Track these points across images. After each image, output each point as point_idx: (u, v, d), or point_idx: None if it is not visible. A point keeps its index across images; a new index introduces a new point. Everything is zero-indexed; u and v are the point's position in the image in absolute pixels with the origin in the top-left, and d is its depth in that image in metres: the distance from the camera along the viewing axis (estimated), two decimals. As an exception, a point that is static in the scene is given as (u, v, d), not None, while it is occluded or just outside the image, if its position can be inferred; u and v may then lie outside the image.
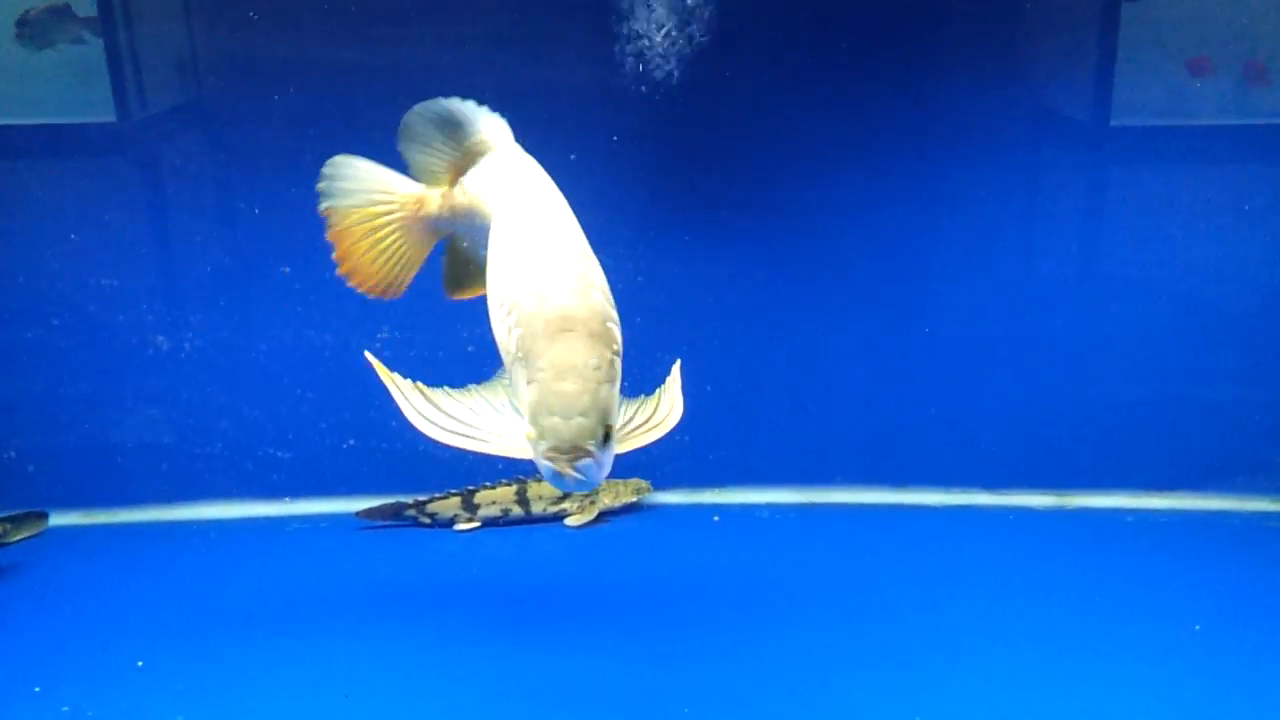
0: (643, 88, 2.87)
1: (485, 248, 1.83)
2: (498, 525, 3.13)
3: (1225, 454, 3.27)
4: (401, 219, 1.96)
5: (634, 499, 3.20)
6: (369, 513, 3.12)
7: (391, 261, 1.97)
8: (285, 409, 3.16)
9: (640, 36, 2.82)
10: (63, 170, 3.04)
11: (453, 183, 1.93)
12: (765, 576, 2.84)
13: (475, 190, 1.89)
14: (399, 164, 1.99)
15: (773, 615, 2.64)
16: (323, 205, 1.97)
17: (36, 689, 2.33)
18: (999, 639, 2.50)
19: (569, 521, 3.14)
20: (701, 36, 2.84)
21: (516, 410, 1.70)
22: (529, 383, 1.58)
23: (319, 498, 3.25)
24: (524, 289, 1.66)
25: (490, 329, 1.76)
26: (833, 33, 2.96)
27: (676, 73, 2.86)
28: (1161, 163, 3.11)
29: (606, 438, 1.56)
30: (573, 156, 2.86)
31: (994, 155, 3.07)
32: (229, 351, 3.14)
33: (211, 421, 3.19)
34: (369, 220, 1.96)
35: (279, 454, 3.21)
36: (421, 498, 3.11)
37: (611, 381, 1.60)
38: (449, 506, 3.11)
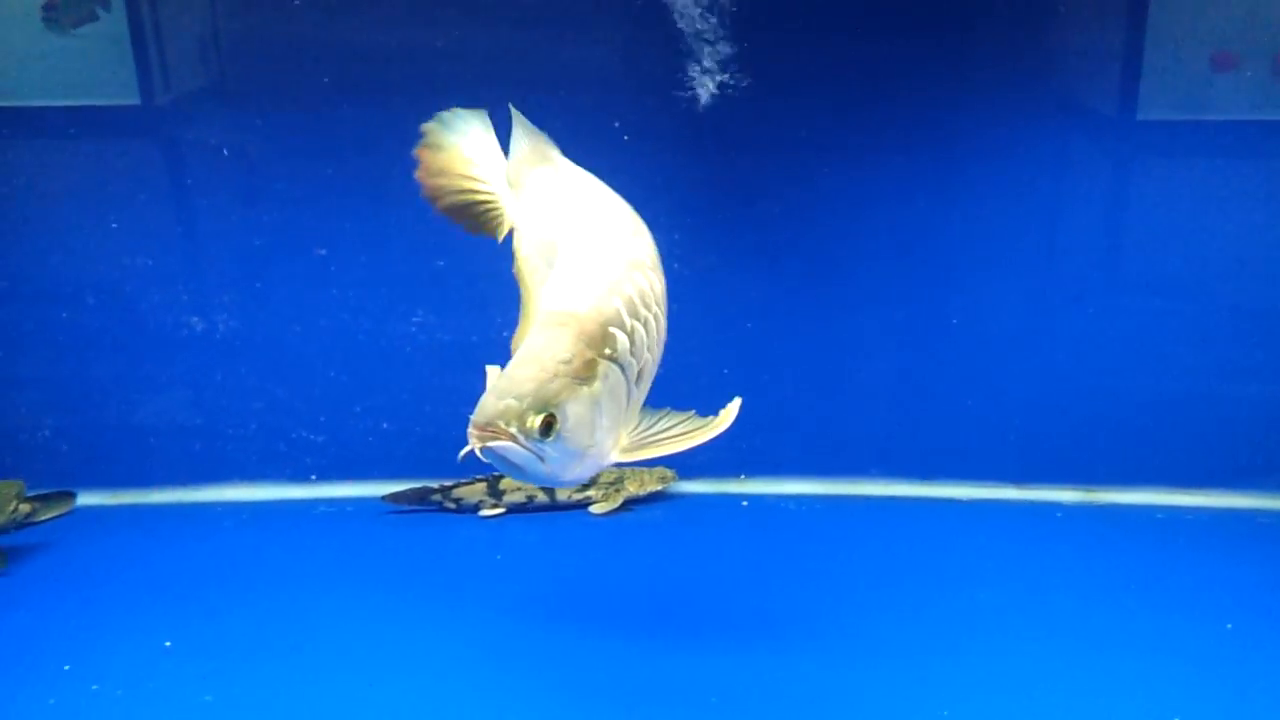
0: (676, 82, 2.86)
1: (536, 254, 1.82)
2: (523, 511, 3.13)
3: (1256, 451, 3.23)
4: (482, 196, 1.97)
5: (659, 488, 3.19)
6: (395, 497, 3.13)
7: (461, 209, 1.99)
8: (318, 392, 3.17)
9: (670, 29, 2.82)
10: (97, 152, 3.05)
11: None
12: (790, 567, 2.83)
13: (532, 204, 1.89)
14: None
15: (797, 606, 2.63)
16: (420, 147, 1.99)
17: (66, 667, 2.35)
18: (1026, 635, 2.48)
19: (594, 509, 3.14)
20: (729, 33, 2.82)
21: None
22: None
23: (347, 481, 3.27)
24: (550, 287, 1.67)
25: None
26: (859, 26, 2.94)
27: (707, 66, 2.85)
28: (1196, 157, 3.08)
29: (546, 430, 1.53)
30: (626, 137, 2.87)
31: (1021, 150, 3.04)
32: (263, 333, 3.16)
33: (244, 403, 3.20)
34: (456, 178, 1.96)
35: (312, 436, 3.22)
36: (447, 483, 3.11)
37: (584, 380, 1.58)
38: (474, 492, 3.11)
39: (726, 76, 2.83)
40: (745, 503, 3.20)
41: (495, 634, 2.50)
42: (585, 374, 1.58)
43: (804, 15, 2.91)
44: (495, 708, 2.21)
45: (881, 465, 3.30)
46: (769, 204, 3.07)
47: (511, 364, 1.59)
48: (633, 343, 1.68)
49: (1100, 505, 3.21)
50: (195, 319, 3.12)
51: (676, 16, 2.76)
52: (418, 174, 1.97)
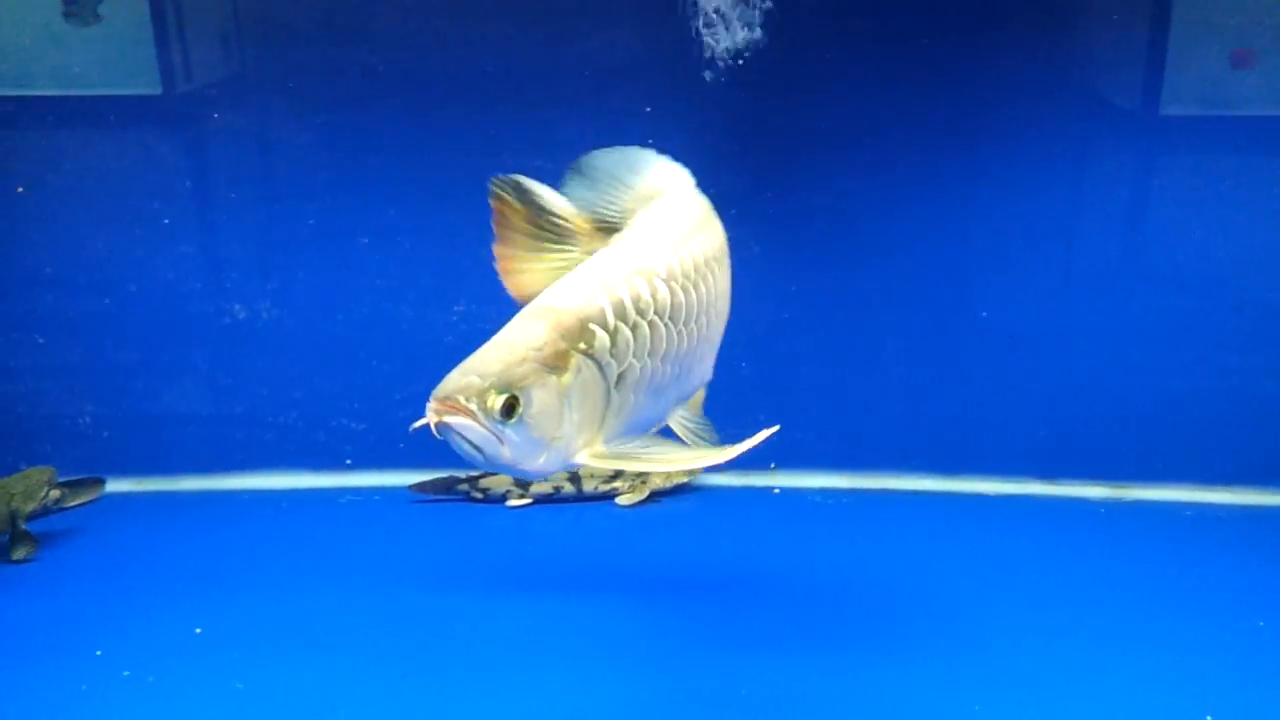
0: (690, 69, 2.85)
1: None
2: (549, 502, 3.14)
3: (1286, 449, 3.21)
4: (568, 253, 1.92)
5: (685, 480, 3.19)
6: (422, 486, 3.14)
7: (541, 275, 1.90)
8: (360, 380, 3.18)
9: (696, 13, 2.80)
10: (140, 139, 3.06)
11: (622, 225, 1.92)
12: (814, 560, 2.83)
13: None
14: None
15: (821, 599, 2.62)
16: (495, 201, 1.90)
17: (98, 652, 2.36)
18: (1053, 631, 2.47)
19: (620, 500, 3.14)
20: (752, 24, 2.81)
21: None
22: None
23: (381, 470, 3.28)
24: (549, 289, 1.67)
25: None
26: (879, 19, 2.93)
27: (723, 54, 2.84)
28: (1225, 154, 3.06)
29: (508, 412, 1.51)
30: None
31: (1045, 145, 3.03)
32: (305, 321, 3.17)
33: (285, 391, 3.22)
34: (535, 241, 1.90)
35: (352, 425, 3.23)
36: (474, 472, 3.12)
37: (553, 370, 1.56)
38: (501, 482, 3.12)
39: (741, 64, 2.82)
40: (777, 490, 3.19)
41: (522, 623, 2.50)
42: (556, 363, 1.57)
43: (825, 7, 2.90)
44: (522, 696, 2.21)
45: (908, 459, 3.29)
46: (790, 197, 3.06)
47: (482, 347, 1.58)
48: (615, 344, 1.66)
49: (1128, 502, 3.19)
50: (238, 306, 3.14)
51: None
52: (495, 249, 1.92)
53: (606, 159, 1.95)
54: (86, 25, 2.91)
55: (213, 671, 2.29)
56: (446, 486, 3.13)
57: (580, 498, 3.14)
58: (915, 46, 2.94)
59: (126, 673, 2.28)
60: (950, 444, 3.27)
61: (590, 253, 1.85)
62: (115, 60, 2.97)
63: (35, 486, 2.86)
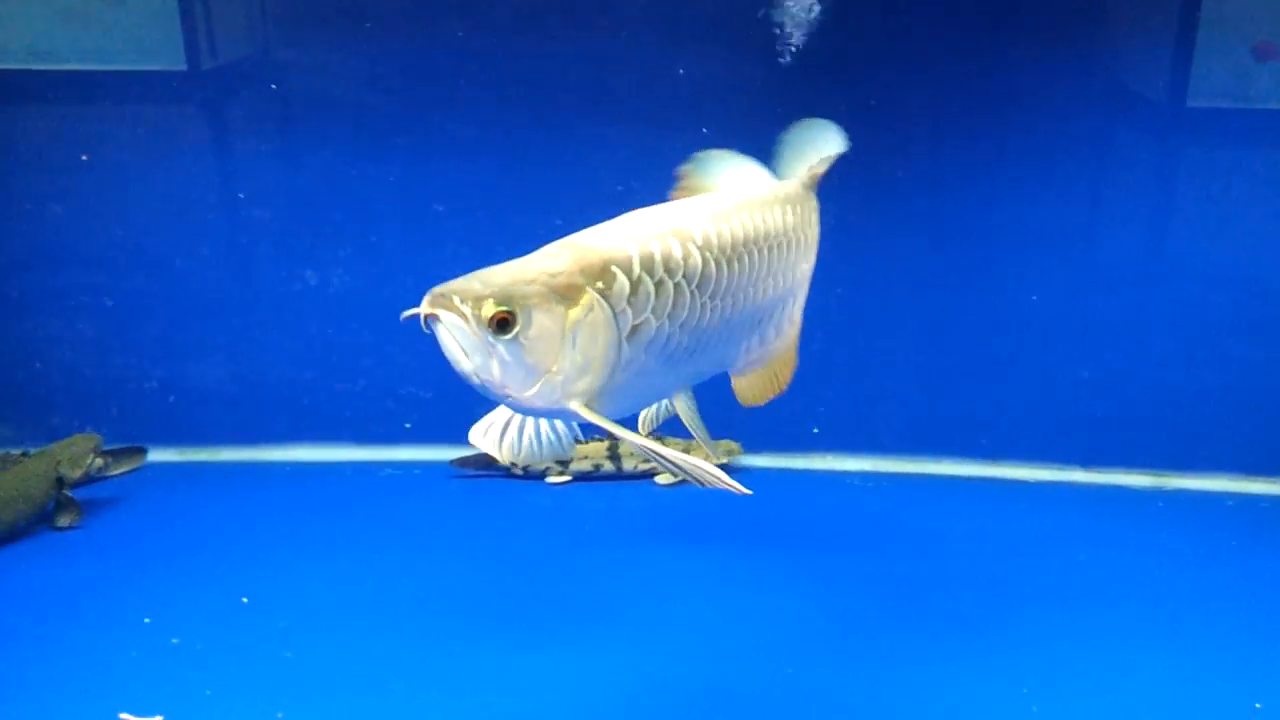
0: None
1: None
2: (589, 480, 3.14)
3: (1329, 440, 3.19)
4: None
5: (724, 460, 3.19)
6: (463, 461, 3.14)
7: None
8: (427, 349, 3.16)
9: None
10: (214, 105, 3.07)
11: None
12: (853, 542, 2.83)
13: None
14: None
15: (859, 581, 2.62)
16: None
17: (146, 620, 2.38)
18: (1096, 618, 2.46)
19: (659, 479, 3.14)
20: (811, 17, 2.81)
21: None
22: None
23: (419, 444, 3.29)
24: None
25: None
26: (913, 14, 2.94)
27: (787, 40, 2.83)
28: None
29: (503, 326, 1.47)
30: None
31: (1088, 136, 3.03)
32: (376, 289, 3.16)
33: (355, 359, 3.22)
34: None
35: (421, 393, 3.24)
36: (516, 449, 3.11)
37: (563, 299, 1.51)
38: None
39: (799, 50, 2.82)
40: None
41: (560, 594, 2.51)
42: (568, 294, 1.52)
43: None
44: (559, 668, 2.22)
45: (948, 444, 3.28)
46: (835, 187, 3.05)
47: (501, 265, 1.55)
48: (635, 293, 1.59)
49: (1170, 490, 3.18)
50: (310, 272, 3.14)
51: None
52: None
53: (723, 162, 2.00)
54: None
55: (262, 641, 2.30)
56: (487, 462, 3.13)
57: (619, 476, 3.14)
58: (947, 43, 2.95)
59: (175, 640, 2.30)
60: (992, 430, 3.26)
61: None
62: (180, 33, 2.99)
63: (81, 454, 2.88)
